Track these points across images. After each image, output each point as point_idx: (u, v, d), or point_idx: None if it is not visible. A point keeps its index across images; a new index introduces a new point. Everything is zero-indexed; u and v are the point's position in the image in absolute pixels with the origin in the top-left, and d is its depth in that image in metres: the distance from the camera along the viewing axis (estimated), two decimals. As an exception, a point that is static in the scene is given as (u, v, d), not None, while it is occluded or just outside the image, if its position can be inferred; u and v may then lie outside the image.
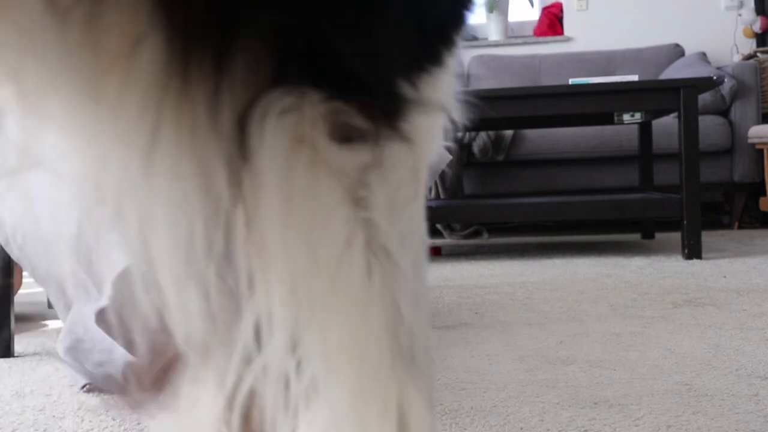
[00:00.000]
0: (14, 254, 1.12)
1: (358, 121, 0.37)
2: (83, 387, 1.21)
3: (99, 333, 1.04)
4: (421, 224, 0.43)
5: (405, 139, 0.39)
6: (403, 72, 0.40)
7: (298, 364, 0.38)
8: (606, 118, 3.23)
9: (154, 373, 0.50)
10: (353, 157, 0.38)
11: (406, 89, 0.40)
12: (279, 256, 0.37)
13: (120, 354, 1.04)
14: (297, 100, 0.36)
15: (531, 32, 4.59)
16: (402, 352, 0.39)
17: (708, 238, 3.08)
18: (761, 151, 3.39)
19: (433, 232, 3.55)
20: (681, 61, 3.97)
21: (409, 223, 0.41)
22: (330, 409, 0.37)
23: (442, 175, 3.41)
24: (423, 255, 0.43)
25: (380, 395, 0.38)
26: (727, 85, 3.47)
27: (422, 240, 0.43)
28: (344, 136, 0.37)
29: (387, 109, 0.39)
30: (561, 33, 4.49)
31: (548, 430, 0.93)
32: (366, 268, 0.38)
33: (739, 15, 4.22)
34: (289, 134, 0.36)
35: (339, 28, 0.37)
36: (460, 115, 0.45)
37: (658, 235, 3.31)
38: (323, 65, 0.37)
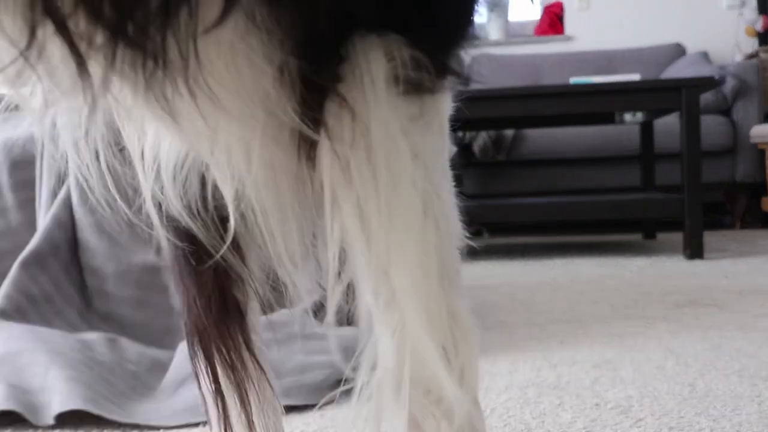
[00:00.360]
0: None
1: (420, 73, 0.44)
2: None
3: None
4: (448, 170, 0.51)
5: (448, 91, 0.48)
6: (453, 39, 0.48)
7: (378, 279, 0.46)
8: (607, 118, 3.22)
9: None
10: (408, 107, 0.45)
11: (452, 54, 0.48)
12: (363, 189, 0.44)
13: None
14: (388, 42, 0.43)
15: (531, 31, 4.58)
16: (447, 271, 0.47)
17: (710, 238, 3.07)
18: (763, 150, 3.38)
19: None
20: (682, 60, 3.96)
21: (442, 168, 0.49)
22: (402, 312, 0.45)
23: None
24: (453, 194, 0.50)
25: (435, 303, 0.46)
26: (729, 85, 3.47)
27: (452, 182, 0.51)
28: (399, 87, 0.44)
29: (445, 64, 0.46)
30: (562, 32, 4.49)
31: (549, 431, 0.92)
32: (423, 198, 0.45)
33: (741, 14, 4.21)
34: (388, 74, 0.43)
35: None
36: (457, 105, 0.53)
37: (660, 236, 3.30)
38: (414, 17, 0.44)
